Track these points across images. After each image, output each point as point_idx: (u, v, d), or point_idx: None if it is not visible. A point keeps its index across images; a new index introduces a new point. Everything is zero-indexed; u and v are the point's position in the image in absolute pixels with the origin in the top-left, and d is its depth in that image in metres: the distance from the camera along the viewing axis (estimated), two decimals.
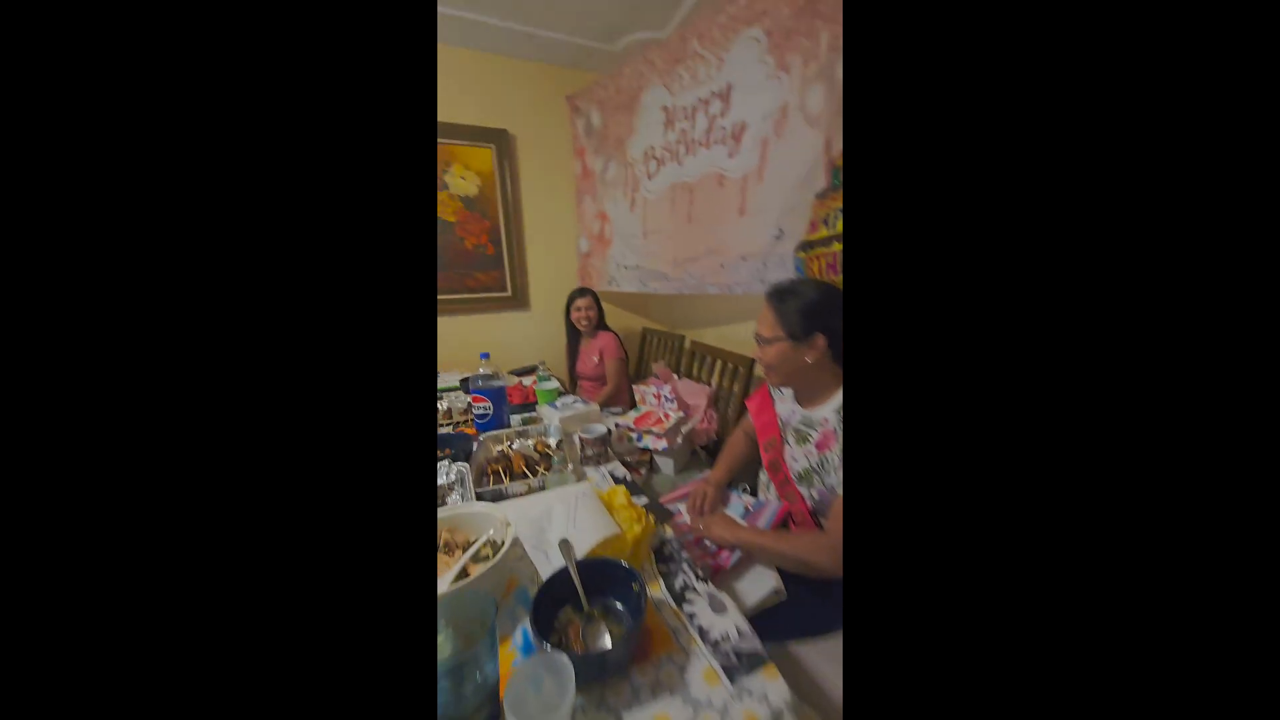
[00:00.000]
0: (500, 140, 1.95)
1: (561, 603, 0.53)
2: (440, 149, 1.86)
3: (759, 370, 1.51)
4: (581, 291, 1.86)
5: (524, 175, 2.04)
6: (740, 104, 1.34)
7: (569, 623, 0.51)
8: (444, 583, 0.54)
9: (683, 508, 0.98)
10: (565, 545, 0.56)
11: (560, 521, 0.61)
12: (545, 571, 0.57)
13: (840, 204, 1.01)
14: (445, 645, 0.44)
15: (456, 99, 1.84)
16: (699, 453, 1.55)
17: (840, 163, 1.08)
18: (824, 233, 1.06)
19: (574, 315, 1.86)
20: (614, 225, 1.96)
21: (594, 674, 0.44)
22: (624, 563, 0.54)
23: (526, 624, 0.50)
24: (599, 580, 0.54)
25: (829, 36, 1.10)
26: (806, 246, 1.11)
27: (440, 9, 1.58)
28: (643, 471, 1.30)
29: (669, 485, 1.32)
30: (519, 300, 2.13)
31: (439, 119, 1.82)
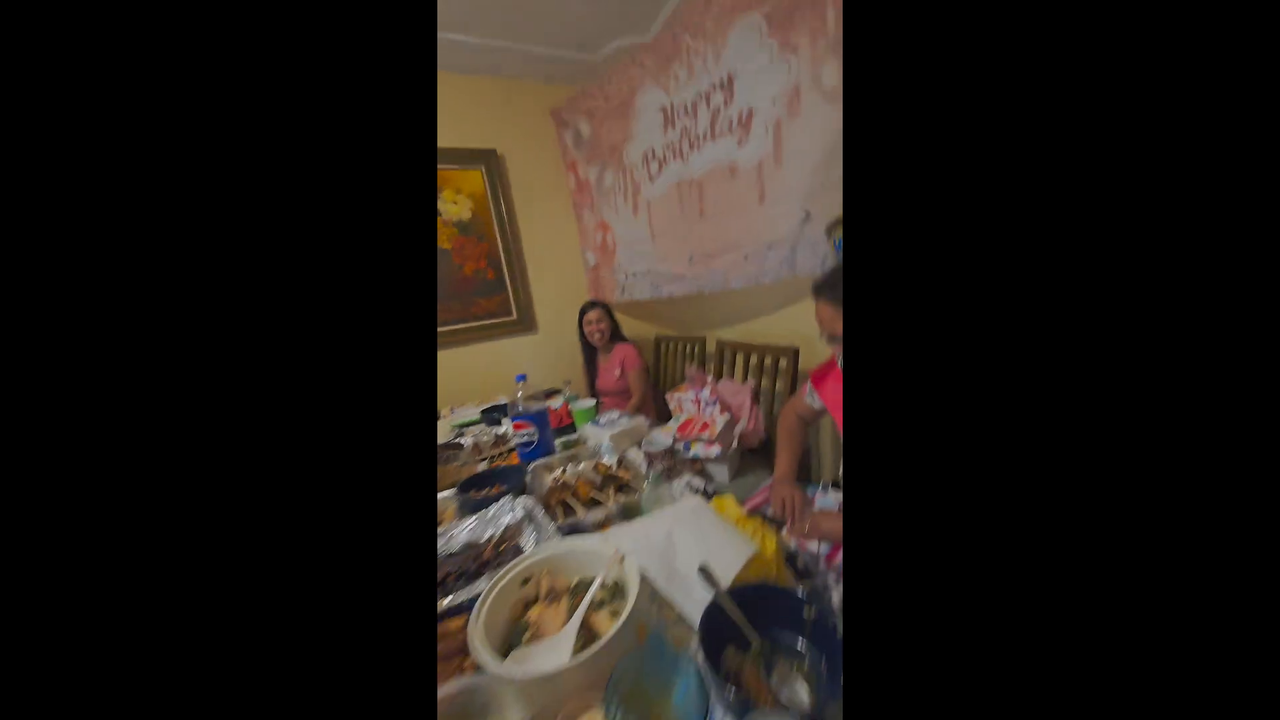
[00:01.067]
0: (489, 160, 1.88)
1: (719, 644, 0.43)
2: None
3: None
4: (591, 304, 1.78)
5: (517, 194, 1.97)
6: (745, 91, 1.31)
7: (740, 668, 0.41)
8: (566, 643, 0.44)
9: (768, 512, 0.89)
10: (706, 573, 0.47)
11: (688, 545, 0.51)
12: (688, 610, 0.46)
13: None
14: None
15: (438, 123, 1.77)
16: (747, 456, 1.46)
17: None
18: None
19: (587, 330, 1.78)
20: (617, 234, 1.90)
21: None
22: (792, 587, 0.45)
23: (683, 677, 0.39)
24: (757, 610, 0.45)
25: (835, 10, 1.08)
26: None
27: None
28: (699, 484, 1.20)
29: (729, 494, 1.22)
30: (526, 323, 2.03)
31: None
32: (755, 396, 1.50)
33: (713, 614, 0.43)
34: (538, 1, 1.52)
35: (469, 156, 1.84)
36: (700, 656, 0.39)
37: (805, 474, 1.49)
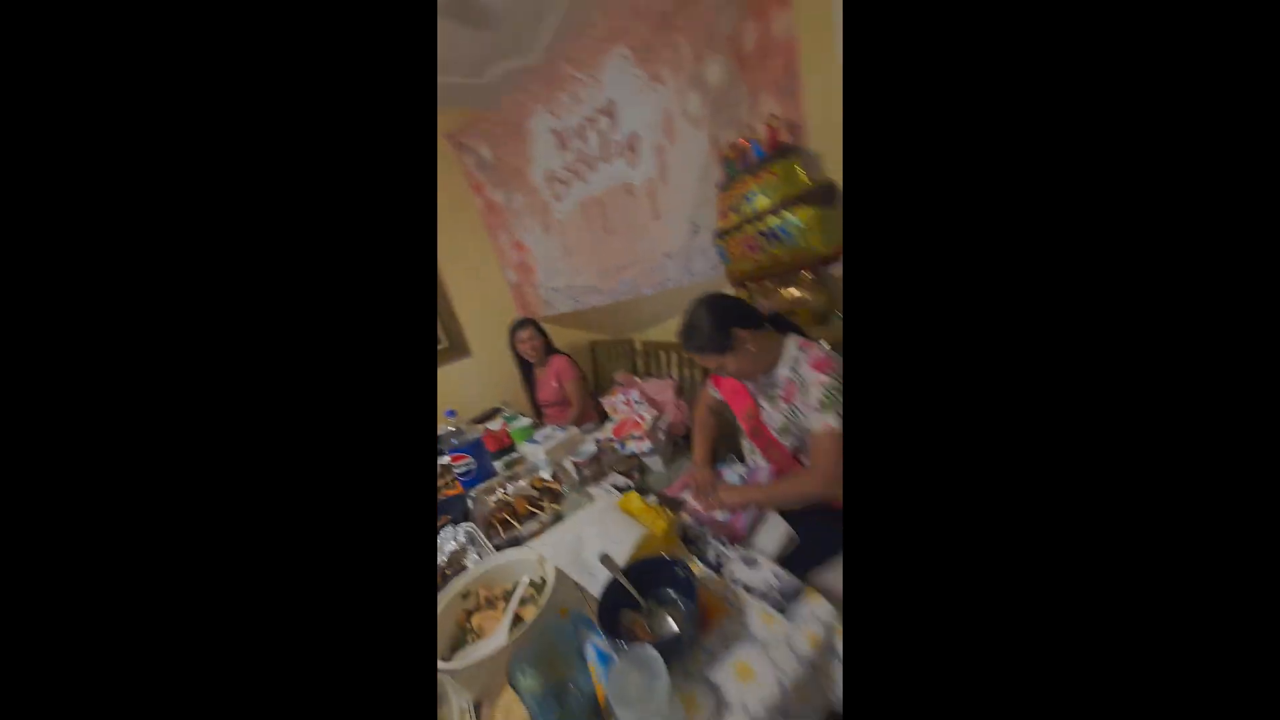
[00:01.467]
0: None
1: (616, 610, 0.57)
2: None
3: None
4: (521, 323, 1.84)
5: None
6: (627, 117, 1.43)
7: (633, 623, 0.56)
8: (502, 635, 0.56)
9: (687, 496, 1.06)
10: (606, 559, 0.60)
11: (594, 540, 0.64)
12: (595, 590, 0.60)
13: (744, 189, 1.14)
14: (535, 682, 0.46)
15: None
16: (679, 443, 1.63)
17: (730, 155, 1.21)
18: (735, 219, 1.18)
19: (520, 348, 1.84)
20: (533, 252, 1.98)
21: (674, 656, 0.49)
22: (664, 555, 0.60)
23: (592, 641, 0.53)
24: (647, 578, 0.59)
25: (689, 47, 1.23)
26: (723, 234, 1.23)
27: None
28: (636, 476, 1.35)
29: (664, 481, 1.38)
30: (458, 349, 2.06)
31: None
32: (679, 390, 1.68)
33: (610, 590, 0.57)
34: None
35: None
36: (598, 622, 0.53)
37: (737, 450, 1.70)
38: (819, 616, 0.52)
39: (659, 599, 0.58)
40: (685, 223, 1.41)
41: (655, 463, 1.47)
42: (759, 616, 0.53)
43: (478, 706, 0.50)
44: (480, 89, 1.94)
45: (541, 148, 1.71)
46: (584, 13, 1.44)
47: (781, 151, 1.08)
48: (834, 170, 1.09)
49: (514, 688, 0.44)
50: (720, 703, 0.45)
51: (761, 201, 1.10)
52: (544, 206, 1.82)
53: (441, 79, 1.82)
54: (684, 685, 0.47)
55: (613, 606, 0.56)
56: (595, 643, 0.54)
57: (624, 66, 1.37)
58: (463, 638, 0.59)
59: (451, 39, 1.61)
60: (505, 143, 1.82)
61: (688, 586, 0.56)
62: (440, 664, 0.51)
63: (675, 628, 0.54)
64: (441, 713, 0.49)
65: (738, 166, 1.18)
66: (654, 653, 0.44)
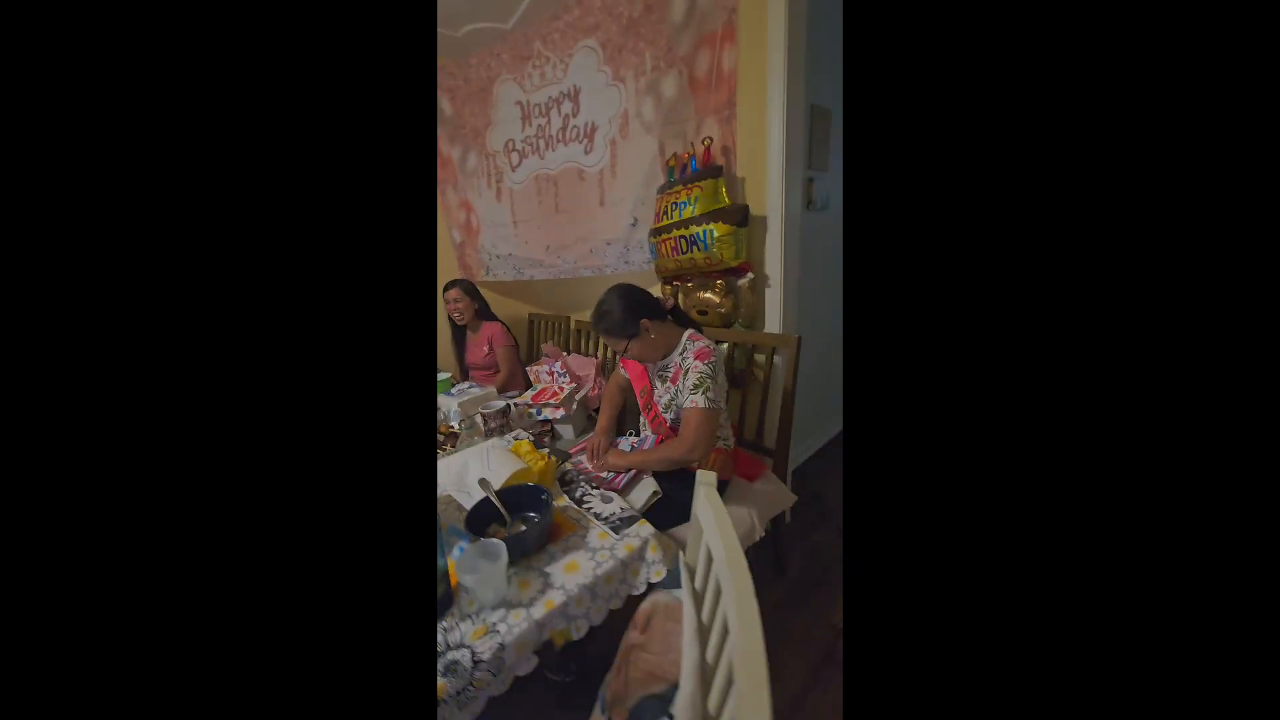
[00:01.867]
0: None
1: (485, 522, 0.69)
2: None
3: None
4: (450, 284, 1.85)
5: None
6: (588, 106, 1.52)
7: (495, 532, 0.67)
8: None
9: (583, 458, 1.19)
10: (484, 482, 0.71)
11: (477, 468, 0.75)
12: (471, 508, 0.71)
13: (676, 198, 1.28)
14: None
15: None
16: (593, 416, 1.76)
17: (673, 163, 1.35)
18: (666, 221, 1.32)
19: (448, 309, 1.85)
20: (480, 215, 1.99)
21: (518, 553, 0.62)
22: (533, 483, 0.72)
23: (461, 545, 0.64)
24: (516, 502, 0.71)
25: (651, 55, 1.34)
26: (655, 233, 1.37)
27: None
28: (547, 440, 1.46)
29: (571, 447, 1.50)
30: None
31: None
32: (600, 368, 1.80)
33: (481, 506, 0.68)
34: None
35: None
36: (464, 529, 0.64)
37: (636, 423, 1.86)
38: (640, 534, 0.67)
39: (522, 517, 0.71)
40: (627, 215, 1.53)
41: (567, 430, 1.59)
42: (598, 534, 0.67)
43: None
44: (451, 42, 1.90)
45: (505, 115, 1.74)
46: None
47: (712, 170, 1.23)
48: (752, 196, 1.27)
49: None
50: (547, 585, 0.58)
51: (689, 210, 1.25)
52: (498, 173, 1.85)
53: None
54: (523, 574, 0.60)
55: (482, 518, 0.67)
56: (462, 546, 0.65)
57: (591, 59, 1.45)
58: None
59: None
60: (468, 101, 1.82)
61: (545, 507, 0.69)
62: None
63: (524, 530, 0.66)
64: None
65: (676, 175, 1.32)
66: (499, 543, 0.56)
